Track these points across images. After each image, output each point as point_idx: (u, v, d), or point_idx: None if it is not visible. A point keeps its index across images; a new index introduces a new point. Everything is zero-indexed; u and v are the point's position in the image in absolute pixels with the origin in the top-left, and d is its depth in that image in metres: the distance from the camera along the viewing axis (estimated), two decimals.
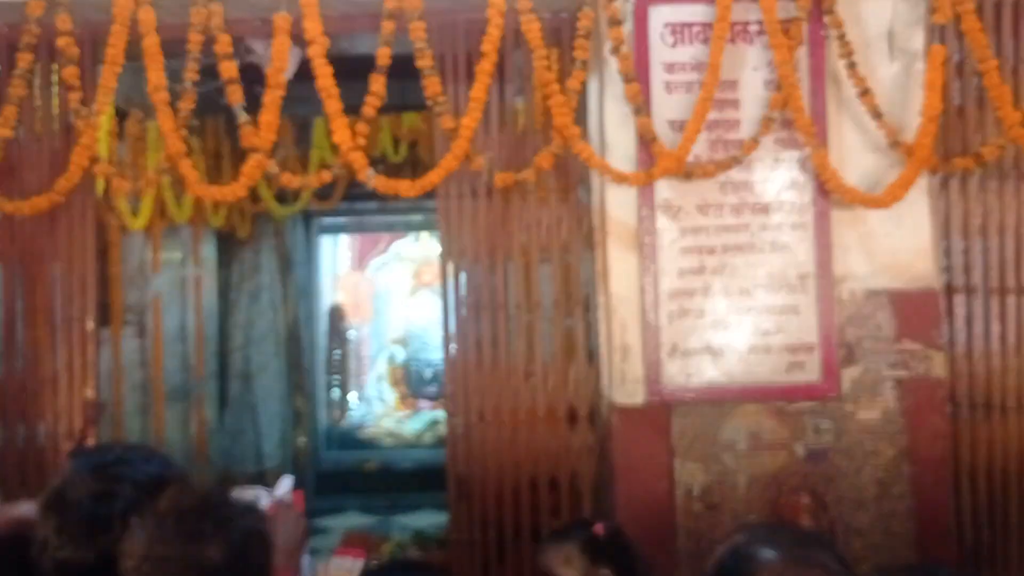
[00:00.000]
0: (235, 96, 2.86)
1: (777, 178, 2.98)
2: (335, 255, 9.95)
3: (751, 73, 2.97)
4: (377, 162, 5.50)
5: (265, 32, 3.10)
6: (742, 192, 2.97)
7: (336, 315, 9.12)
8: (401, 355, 10.02)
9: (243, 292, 7.63)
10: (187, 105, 2.85)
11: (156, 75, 2.83)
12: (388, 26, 2.87)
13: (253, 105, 3.56)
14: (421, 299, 10.21)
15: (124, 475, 1.60)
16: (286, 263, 7.90)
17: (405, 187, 2.91)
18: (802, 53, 2.94)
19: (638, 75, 2.90)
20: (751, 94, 2.97)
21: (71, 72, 2.84)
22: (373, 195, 6.64)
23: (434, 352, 10.03)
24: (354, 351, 9.87)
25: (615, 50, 2.88)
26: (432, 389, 9.80)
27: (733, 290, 2.98)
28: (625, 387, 2.99)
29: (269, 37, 3.14)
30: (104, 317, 4.19)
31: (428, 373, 9.87)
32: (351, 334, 9.57)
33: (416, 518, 7.17)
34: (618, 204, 3.01)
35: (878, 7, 3.00)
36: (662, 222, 2.97)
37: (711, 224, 2.98)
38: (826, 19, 2.92)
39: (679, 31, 2.96)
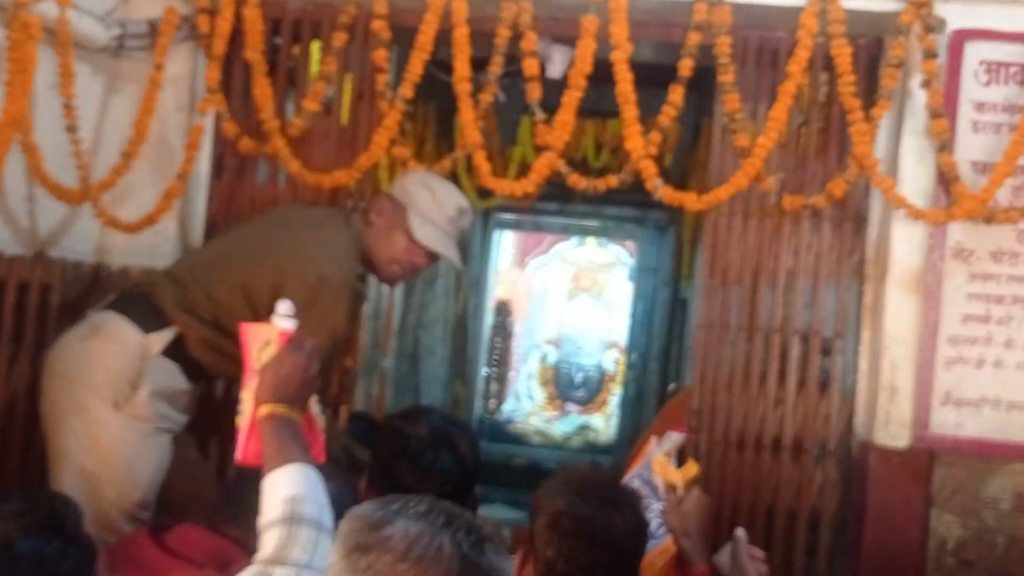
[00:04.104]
0: (534, 93, 2.90)
1: None
2: (498, 250, 10.05)
3: None
4: (578, 165, 5.53)
5: (551, 32, 3.15)
6: None
7: (503, 309, 9.23)
8: (553, 356, 10.05)
9: (420, 277, 7.80)
10: (487, 97, 2.91)
11: (462, 65, 2.89)
12: (694, 37, 2.86)
13: (511, 99, 3.58)
14: (578, 303, 10.22)
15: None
16: (463, 253, 8.03)
17: (691, 201, 2.90)
18: None
19: (946, 111, 2.81)
20: None
21: (381, 55, 2.93)
22: (554, 195, 6.64)
23: (587, 357, 10.03)
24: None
25: (926, 83, 2.79)
26: (580, 393, 9.81)
27: (1017, 343, 2.85)
28: (889, 428, 2.90)
29: (553, 38, 3.19)
30: None
31: (579, 377, 9.88)
32: (515, 329, 9.67)
33: None
34: (902, 240, 2.92)
35: None
36: (951, 265, 2.86)
37: (1003, 272, 2.85)
38: None
39: (994, 70, 2.85)
